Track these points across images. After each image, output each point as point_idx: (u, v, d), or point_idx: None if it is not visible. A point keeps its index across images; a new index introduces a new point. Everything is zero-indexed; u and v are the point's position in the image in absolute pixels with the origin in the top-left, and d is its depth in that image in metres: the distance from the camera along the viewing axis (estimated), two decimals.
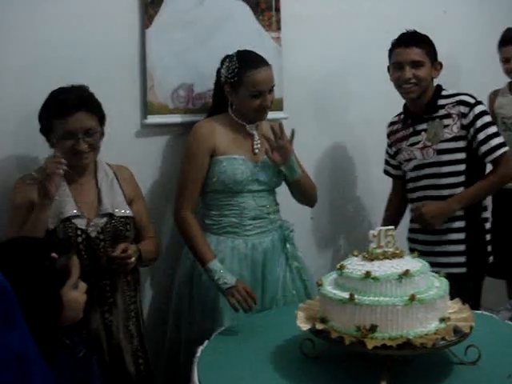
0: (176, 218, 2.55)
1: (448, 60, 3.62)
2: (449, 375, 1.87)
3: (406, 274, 1.79)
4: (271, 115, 2.91)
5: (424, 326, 1.77)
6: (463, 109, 2.71)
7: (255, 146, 2.59)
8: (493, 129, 2.72)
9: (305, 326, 1.89)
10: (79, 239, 2.21)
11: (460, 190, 2.75)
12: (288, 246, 2.65)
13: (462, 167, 2.74)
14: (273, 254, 2.60)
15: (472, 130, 2.70)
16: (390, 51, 2.81)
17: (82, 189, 2.29)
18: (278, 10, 2.99)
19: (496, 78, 3.79)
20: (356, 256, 1.96)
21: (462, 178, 2.75)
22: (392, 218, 2.97)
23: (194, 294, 2.56)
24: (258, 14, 2.95)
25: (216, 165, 2.52)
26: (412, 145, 2.83)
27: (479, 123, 2.69)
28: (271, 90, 2.53)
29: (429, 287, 1.85)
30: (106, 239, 2.25)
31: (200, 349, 2.15)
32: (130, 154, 2.67)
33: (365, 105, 3.32)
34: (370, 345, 1.71)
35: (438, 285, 1.89)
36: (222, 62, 2.57)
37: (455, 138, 2.72)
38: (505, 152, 2.72)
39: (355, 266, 1.87)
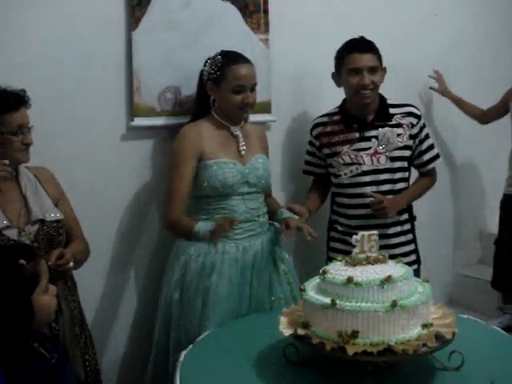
0: (169, 222, 2.54)
1: (439, 62, 3.66)
2: (432, 381, 1.87)
3: (389, 279, 1.78)
4: (259, 118, 2.94)
5: (406, 332, 1.77)
6: (413, 120, 2.86)
7: (241, 148, 2.59)
8: (431, 140, 2.96)
9: (287, 331, 1.88)
10: None
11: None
12: (276, 248, 2.66)
13: (406, 174, 2.91)
14: (262, 256, 2.60)
15: (417, 140, 2.88)
16: (340, 57, 2.81)
17: (7, 198, 2.18)
18: (266, 12, 2.98)
19: (487, 79, 3.81)
20: (339, 261, 1.96)
21: (404, 185, 2.91)
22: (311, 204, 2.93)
23: (183, 299, 2.54)
24: (246, 16, 2.93)
25: (205, 169, 2.52)
26: (359, 150, 2.83)
27: (423, 134, 2.90)
28: (253, 89, 2.55)
29: (411, 293, 1.84)
30: (41, 247, 2.15)
31: (183, 353, 2.14)
32: (116, 156, 2.66)
33: None
34: (350, 351, 1.71)
35: (420, 290, 1.88)
36: (205, 63, 2.59)
37: (405, 147, 2.85)
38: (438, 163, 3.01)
39: (338, 271, 1.87)
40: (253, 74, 2.55)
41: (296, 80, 3.18)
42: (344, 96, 2.89)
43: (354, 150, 2.83)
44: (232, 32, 2.89)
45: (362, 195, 2.81)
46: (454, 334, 1.84)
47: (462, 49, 3.84)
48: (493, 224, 3.91)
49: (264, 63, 2.94)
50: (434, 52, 3.63)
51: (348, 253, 2.67)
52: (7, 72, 2.37)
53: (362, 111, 2.83)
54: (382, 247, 2.46)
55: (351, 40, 2.79)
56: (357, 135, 2.84)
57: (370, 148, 2.82)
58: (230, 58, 2.54)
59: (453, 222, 3.96)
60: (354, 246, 1.86)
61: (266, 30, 2.99)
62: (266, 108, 3.01)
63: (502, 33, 4.11)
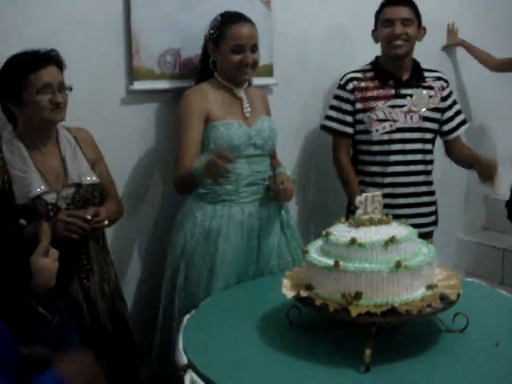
0: (179, 179, 2.49)
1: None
2: (436, 343, 1.85)
3: (392, 240, 1.76)
4: (261, 81, 2.89)
5: (410, 294, 1.75)
6: (443, 83, 2.96)
7: (245, 110, 2.57)
8: (458, 106, 3.03)
9: (290, 294, 1.87)
10: (51, 213, 2.16)
11: (429, 156, 2.95)
12: (283, 213, 2.64)
13: (434, 136, 2.97)
14: (268, 220, 2.59)
15: (447, 104, 2.95)
16: (378, 12, 2.87)
17: (46, 160, 2.22)
18: None
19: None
20: (343, 223, 1.93)
21: (431, 147, 2.97)
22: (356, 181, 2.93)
23: (189, 264, 2.52)
24: None
25: (212, 131, 2.50)
26: (394, 107, 2.85)
27: (452, 99, 2.98)
28: (254, 50, 2.51)
29: (416, 254, 1.82)
30: (77, 209, 2.20)
31: (186, 317, 2.14)
32: (115, 120, 2.62)
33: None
34: (354, 312, 1.69)
35: (425, 251, 1.86)
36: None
37: (436, 109, 2.91)
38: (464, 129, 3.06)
39: (341, 232, 1.84)
40: (253, 34, 2.51)
41: (299, 42, 3.12)
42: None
43: (389, 106, 2.85)
44: None
45: (392, 152, 2.85)
46: (458, 295, 1.82)
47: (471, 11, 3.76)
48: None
49: (265, 26, 2.88)
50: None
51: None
52: (3, 33, 2.34)
53: (397, 68, 2.86)
54: (412, 205, 2.85)
55: None
56: (392, 92, 2.87)
57: (404, 106, 2.85)
58: (230, 18, 2.51)
59: (458, 186, 3.93)
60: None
61: None
62: (268, 71, 2.96)
63: None
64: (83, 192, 2.24)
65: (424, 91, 2.88)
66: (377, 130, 2.85)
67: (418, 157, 2.90)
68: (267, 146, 2.60)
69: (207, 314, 2.18)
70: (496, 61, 3.70)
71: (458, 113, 3.00)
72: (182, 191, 2.59)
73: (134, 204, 2.77)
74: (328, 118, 2.96)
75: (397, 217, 2.60)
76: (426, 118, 2.88)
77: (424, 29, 2.90)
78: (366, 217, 1.86)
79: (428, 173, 2.97)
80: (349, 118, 2.90)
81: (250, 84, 2.65)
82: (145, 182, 2.78)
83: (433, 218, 3.03)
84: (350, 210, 2.90)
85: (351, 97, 2.89)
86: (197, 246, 2.50)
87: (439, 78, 2.95)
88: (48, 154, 2.23)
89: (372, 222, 1.84)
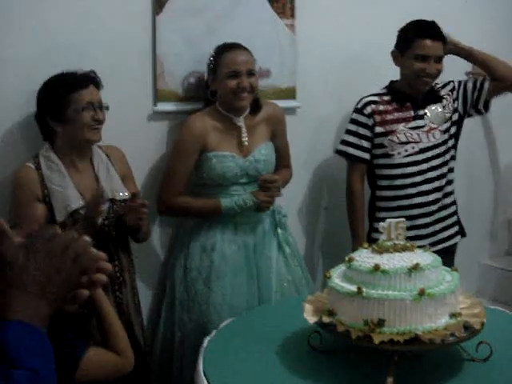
0: (163, 207, 2.60)
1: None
2: (459, 372, 1.83)
3: (416, 267, 1.74)
4: (284, 104, 2.89)
5: (433, 322, 1.73)
6: (448, 87, 2.94)
7: (243, 139, 2.59)
8: (471, 79, 3.03)
9: (312, 319, 1.86)
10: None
11: (452, 163, 2.94)
12: (279, 230, 2.66)
13: (456, 140, 2.97)
14: (264, 238, 2.63)
15: (461, 93, 2.94)
16: (409, 39, 2.77)
17: (82, 176, 2.32)
18: None
19: None
20: (366, 248, 1.92)
21: (454, 152, 2.97)
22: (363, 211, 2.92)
23: (187, 279, 2.59)
24: (272, 1, 2.88)
25: (205, 161, 2.56)
26: (415, 128, 2.84)
27: (462, 84, 2.95)
28: (250, 74, 2.53)
29: (439, 281, 1.80)
30: (110, 224, 2.31)
31: (206, 339, 2.13)
32: (140, 140, 2.66)
33: None
34: (376, 339, 1.68)
35: (449, 279, 1.84)
36: None
37: (453, 111, 2.92)
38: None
39: (364, 258, 1.83)
40: (247, 59, 2.54)
41: (323, 65, 3.13)
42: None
43: (410, 128, 2.84)
44: (257, 17, 2.85)
45: (417, 173, 2.83)
46: (482, 324, 1.80)
47: (491, 38, 3.73)
48: None
49: (290, 49, 2.90)
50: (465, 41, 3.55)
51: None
52: (34, 59, 2.39)
53: (416, 93, 2.86)
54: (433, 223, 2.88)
55: (424, 23, 2.77)
56: (411, 113, 2.86)
57: (424, 126, 2.85)
58: (225, 47, 2.57)
59: (482, 211, 3.89)
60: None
61: (292, 15, 2.94)
62: (291, 94, 2.97)
63: None
64: (116, 208, 2.32)
65: (437, 105, 2.88)
66: (399, 153, 2.83)
67: (439, 171, 2.88)
68: (261, 175, 2.60)
69: (227, 336, 2.17)
70: None
71: (473, 84, 2.94)
72: (167, 216, 2.69)
73: (157, 220, 2.80)
74: (344, 142, 2.89)
75: (418, 237, 2.67)
76: (446, 130, 2.89)
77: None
78: (389, 243, 1.85)
79: (449, 182, 2.94)
80: (366, 143, 2.86)
81: (254, 111, 2.64)
82: None
83: (456, 228, 3.01)
84: (372, 239, 2.80)
85: (369, 121, 2.85)
86: (192, 260, 2.58)
87: (444, 85, 2.94)
88: (83, 171, 2.32)
89: (395, 249, 1.83)
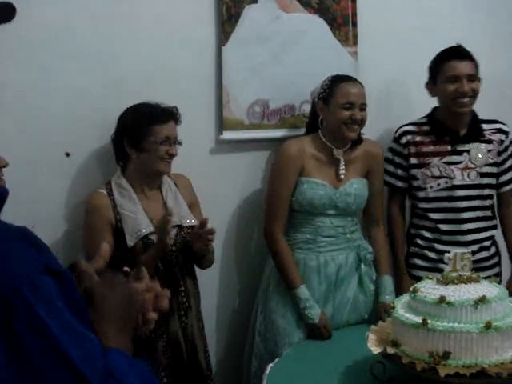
0: (267, 237, 2.61)
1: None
2: None
3: (483, 299, 1.73)
4: None
5: (500, 355, 1.72)
6: (502, 136, 2.82)
7: (340, 172, 2.59)
8: None
9: (376, 350, 1.86)
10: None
11: (490, 212, 2.83)
12: (362, 266, 2.62)
13: (494, 192, 2.85)
14: (345, 271, 2.59)
15: (502, 158, 2.82)
16: (437, 65, 2.75)
17: (151, 203, 2.39)
18: (354, 24, 2.97)
19: None
20: (431, 279, 1.91)
21: (491, 202, 2.85)
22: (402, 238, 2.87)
23: (266, 309, 2.60)
24: (335, 28, 2.92)
25: (297, 185, 2.56)
26: (450, 163, 2.76)
27: (509, 152, 2.84)
28: (363, 109, 2.55)
29: (506, 314, 1.78)
30: (177, 250, 2.37)
31: (269, 366, 2.15)
32: (205, 169, 2.70)
33: None
34: (442, 372, 1.67)
35: None
36: None
37: (494, 164, 2.80)
38: None
39: (429, 289, 1.83)
40: (362, 94, 2.56)
41: (385, 92, 3.14)
42: (433, 106, 2.83)
43: (445, 162, 2.76)
44: (320, 45, 2.89)
45: (453, 209, 2.75)
46: None
47: None
48: None
49: (352, 76, 2.91)
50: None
51: (427, 269, 2.71)
52: (104, 87, 2.48)
53: (455, 123, 2.76)
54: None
55: (449, 48, 2.74)
56: (448, 148, 2.77)
57: (461, 162, 2.75)
58: (340, 78, 2.58)
59: None
60: (436, 261, 1.81)
61: (355, 43, 2.98)
62: None
63: None
64: (184, 234, 2.38)
65: (482, 146, 2.76)
66: (431, 187, 2.77)
67: (477, 214, 2.77)
68: (350, 209, 2.60)
69: (290, 364, 2.19)
70: None
71: (511, 168, 2.85)
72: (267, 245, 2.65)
73: (225, 251, 2.85)
74: (384, 170, 2.83)
75: None
76: (484, 174, 2.77)
77: (480, 79, 2.76)
78: (454, 274, 1.84)
79: (491, 228, 2.83)
80: (401, 172, 2.83)
81: (354, 144, 2.64)
82: (232, 226, 2.85)
83: (496, 270, 2.85)
84: (410, 264, 2.84)
85: (404, 151, 2.81)
86: (273, 290, 2.58)
87: (499, 130, 2.82)
88: (152, 198, 2.40)
89: (461, 280, 1.82)
